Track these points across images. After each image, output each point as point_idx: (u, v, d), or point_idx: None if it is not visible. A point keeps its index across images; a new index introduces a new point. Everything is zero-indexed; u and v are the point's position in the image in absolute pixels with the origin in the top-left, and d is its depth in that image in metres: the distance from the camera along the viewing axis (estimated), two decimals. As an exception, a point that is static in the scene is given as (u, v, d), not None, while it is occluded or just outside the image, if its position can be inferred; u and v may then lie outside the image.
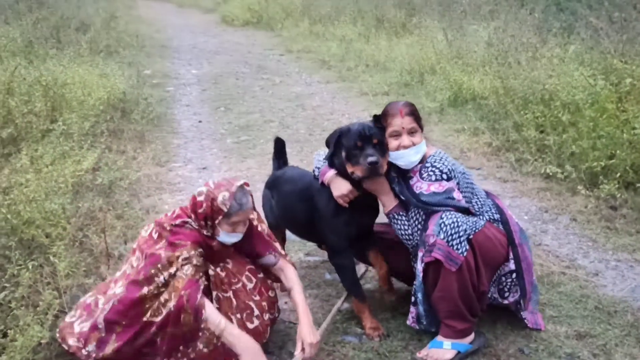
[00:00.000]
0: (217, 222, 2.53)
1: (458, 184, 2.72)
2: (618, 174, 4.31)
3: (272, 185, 3.31)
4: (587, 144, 4.56)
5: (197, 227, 2.56)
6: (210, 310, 2.41)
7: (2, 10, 8.73)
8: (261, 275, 2.78)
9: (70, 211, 3.67)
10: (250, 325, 2.60)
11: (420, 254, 2.66)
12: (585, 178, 4.44)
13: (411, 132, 2.70)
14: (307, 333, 2.55)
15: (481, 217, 2.76)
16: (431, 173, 2.69)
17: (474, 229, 2.65)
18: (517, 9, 8.55)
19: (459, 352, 2.68)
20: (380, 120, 2.79)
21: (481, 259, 2.64)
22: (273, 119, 6.75)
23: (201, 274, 2.47)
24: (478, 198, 2.82)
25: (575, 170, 4.50)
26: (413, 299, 2.75)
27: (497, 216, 2.82)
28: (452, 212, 2.61)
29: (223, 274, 2.58)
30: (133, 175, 4.63)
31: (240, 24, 14.89)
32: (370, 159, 2.65)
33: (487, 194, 2.94)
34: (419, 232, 2.73)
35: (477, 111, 6.23)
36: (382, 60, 8.95)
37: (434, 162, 2.72)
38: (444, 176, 2.68)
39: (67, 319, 2.61)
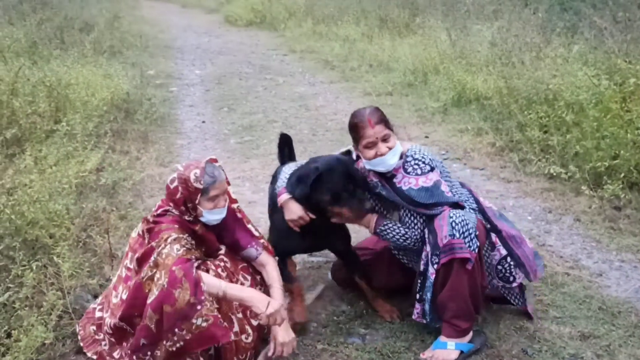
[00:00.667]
0: (197, 202, 2.50)
1: (440, 173, 2.74)
2: (622, 174, 4.29)
3: (272, 180, 3.33)
4: (591, 144, 4.55)
5: (178, 214, 2.54)
6: (207, 279, 2.35)
7: (6, 11, 8.75)
8: (251, 270, 2.74)
9: (74, 212, 3.68)
10: (254, 322, 2.59)
11: (426, 255, 2.66)
12: (589, 178, 4.42)
13: (384, 139, 2.68)
14: (279, 331, 2.50)
15: (468, 209, 2.76)
16: (415, 166, 2.70)
17: (475, 221, 2.68)
18: (520, 8, 8.53)
19: (462, 352, 2.68)
20: (352, 133, 2.74)
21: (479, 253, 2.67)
22: (276, 120, 6.75)
23: (194, 258, 2.42)
24: (457, 189, 2.83)
25: (579, 170, 4.48)
26: (418, 296, 2.74)
27: (474, 205, 2.84)
28: (456, 210, 2.62)
29: (224, 274, 2.56)
30: (137, 176, 4.63)
31: (244, 24, 14.89)
32: (368, 205, 2.70)
33: (462, 184, 2.96)
34: (421, 230, 2.73)
35: (480, 111, 6.22)
36: (386, 60, 8.94)
37: (414, 154, 2.72)
38: (427, 167, 2.69)
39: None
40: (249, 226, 2.75)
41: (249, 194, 4.61)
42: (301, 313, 2.88)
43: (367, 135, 2.65)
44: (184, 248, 2.41)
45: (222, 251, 2.66)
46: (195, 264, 2.39)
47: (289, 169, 3.04)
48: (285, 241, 2.91)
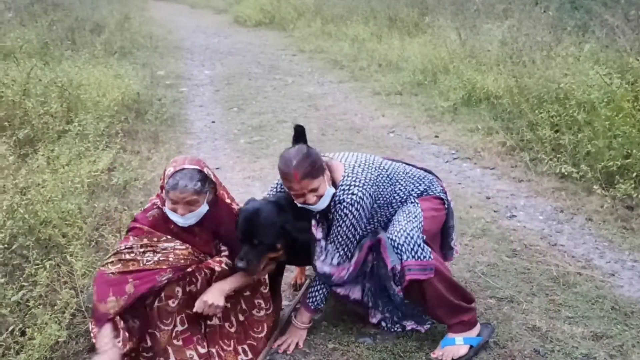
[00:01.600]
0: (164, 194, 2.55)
1: (375, 192, 2.68)
2: (634, 174, 4.27)
3: None
4: (603, 143, 4.52)
5: (160, 209, 2.58)
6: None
7: (18, 12, 8.82)
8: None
9: (86, 211, 3.70)
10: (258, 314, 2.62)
11: (391, 282, 2.66)
12: (601, 177, 4.40)
13: (312, 190, 2.57)
14: (210, 292, 2.49)
15: (411, 201, 2.77)
16: (339, 216, 2.61)
17: (420, 225, 2.66)
18: (531, 7, 8.48)
19: (471, 347, 2.69)
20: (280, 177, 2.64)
21: (435, 242, 2.72)
22: (286, 119, 6.75)
23: (170, 259, 2.47)
24: (401, 184, 2.79)
25: (591, 169, 4.46)
26: (383, 315, 2.84)
27: (439, 188, 2.88)
28: (393, 228, 2.62)
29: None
30: (148, 176, 4.65)
31: (253, 24, 14.92)
32: (240, 264, 2.56)
33: (427, 170, 2.98)
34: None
35: (491, 110, 6.20)
36: (395, 60, 8.93)
37: (342, 199, 2.60)
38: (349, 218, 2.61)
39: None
40: None
41: (259, 193, 4.62)
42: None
43: (294, 188, 2.56)
44: (118, 264, 2.46)
45: (226, 252, 2.66)
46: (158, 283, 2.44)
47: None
48: None
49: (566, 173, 4.61)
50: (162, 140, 5.82)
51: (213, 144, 5.96)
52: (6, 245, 2.92)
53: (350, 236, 2.64)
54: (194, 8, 20.38)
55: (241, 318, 2.71)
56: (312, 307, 2.78)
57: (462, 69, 7.09)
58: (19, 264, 2.95)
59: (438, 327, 2.86)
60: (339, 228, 2.63)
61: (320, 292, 2.76)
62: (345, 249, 2.66)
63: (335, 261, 2.66)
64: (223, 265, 2.59)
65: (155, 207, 2.61)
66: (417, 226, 2.64)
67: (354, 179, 2.65)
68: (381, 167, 2.78)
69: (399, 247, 2.57)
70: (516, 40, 6.97)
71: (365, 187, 2.63)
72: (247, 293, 2.71)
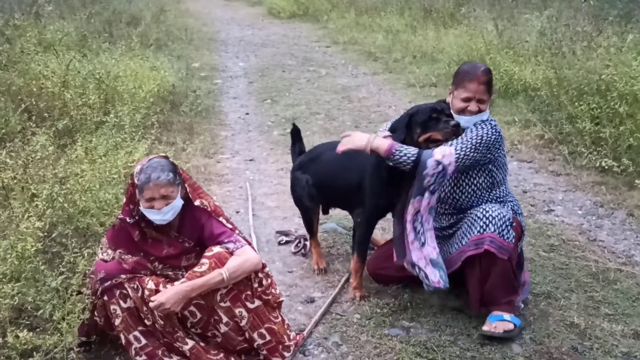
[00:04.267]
0: (137, 198, 2.50)
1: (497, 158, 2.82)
2: (679, 168, 4.13)
3: (304, 165, 3.45)
4: (646, 136, 4.39)
5: (120, 221, 2.58)
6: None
7: (57, 6, 8.98)
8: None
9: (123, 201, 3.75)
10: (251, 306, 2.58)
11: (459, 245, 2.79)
12: (644, 172, 4.27)
13: (481, 101, 2.75)
14: (163, 294, 2.39)
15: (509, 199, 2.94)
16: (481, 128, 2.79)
17: (510, 213, 2.79)
18: (571, -4, 8.29)
19: (515, 326, 2.72)
20: (455, 77, 2.85)
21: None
22: (319, 111, 6.74)
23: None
24: (506, 185, 2.94)
25: (633, 163, 4.33)
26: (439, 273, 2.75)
27: (517, 208, 2.96)
28: (492, 205, 2.76)
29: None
30: (182, 167, 4.67)
31: (287, 16, 14.91)
32: (453, 122, 2.75)
33: None
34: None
35: (528, 103, 6.07)
36: (430, 52, 8.81)
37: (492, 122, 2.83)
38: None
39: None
40: (222, 220, 2.62)
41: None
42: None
43: (469, 88, 2.74)
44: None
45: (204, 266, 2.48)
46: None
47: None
48: (383, 189, 2.98)
49: (607, 167, 4.48)
50: (196, 132, 5.88)
51: (247, 136, 5.99)
52: (46, 234, 2.98)
53: (474, 145, 2.70)
54: (228, 0, 20.48)
55: (252, 306, 2.55)
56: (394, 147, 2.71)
57: (499, 60, 6.94)
58: (58, 251, 3.01)
59: (473, 322, 2.82)
60: (470, 133, 2.73)
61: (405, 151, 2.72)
62: (462, 152, 2.68)
63: (449, 151, 2.67)
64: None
65: (118, 219, 2.60)
66: (508, 211, 2.77)
67: (492, 126, 2.81)
68: (503, 150, 2.90)
69: (490, 218, 2.66)
70: (555, 31, 6.80)
71: (499, 139, 2.80)
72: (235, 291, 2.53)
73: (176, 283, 2.44)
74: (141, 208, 2.51)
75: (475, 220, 2.72)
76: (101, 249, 2.63)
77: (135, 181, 2.48)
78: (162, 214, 2.49)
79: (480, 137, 2.72)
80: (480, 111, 2.75)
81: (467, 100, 2.74)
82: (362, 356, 2.66)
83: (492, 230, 2.64)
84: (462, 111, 2.77)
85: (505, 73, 6.58)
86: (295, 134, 3.81)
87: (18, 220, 2.96)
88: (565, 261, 3.41)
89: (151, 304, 2.39)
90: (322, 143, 3.64)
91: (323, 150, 3.46)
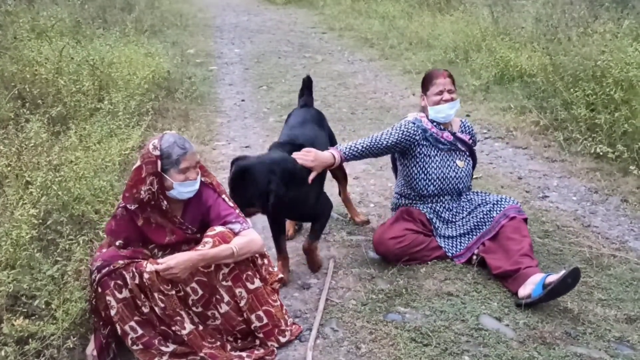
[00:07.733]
0: (160, 171, 2.45)
1: None
2: (673, 154, 4.15)
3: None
4: (641, 122, 4.39)
5: (120, 213, 2.57)
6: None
7: (51, -9, 8.90)
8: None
9: (118, 188, 3.75)
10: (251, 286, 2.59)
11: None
12: (638, 158, 4.28)
13: (450, 92, 3.29)
14: (173, 258, 2.40)
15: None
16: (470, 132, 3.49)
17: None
18: (567, -18, 8.24)
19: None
20: (424, 82, 3.38)
21: None
22: (315, 98, 6.67)
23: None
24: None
25: (628, 149, 4.34)
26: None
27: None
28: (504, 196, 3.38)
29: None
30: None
31: (282, 2, 14.81)
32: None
33: None
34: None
35: (524, 89, 6.07)
36: (426, 38, 8.78)
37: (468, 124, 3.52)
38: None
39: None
40: (226, 199, 2.65)
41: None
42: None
43: (439, 83, 3.29)
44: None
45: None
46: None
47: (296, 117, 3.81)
48: None
49: (601, 153, 4.49)
50: (192, 119, 5.86)
51: (243, 123, 5.97)
52: (41, 221, 2.98)
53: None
54: (224, -14, 20.30)
55: (252, 286, 2.57)
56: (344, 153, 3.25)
57: (494, 46, 6.93)
58: (53, 239, 3.00)
59: (467, 307, 2.84)
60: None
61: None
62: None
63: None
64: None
65: (118, 208, 2.58)
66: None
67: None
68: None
69: (507, 199, 3.29)
70: (551, 17, 6.79)
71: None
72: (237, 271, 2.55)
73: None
74: (174, 183, 2.48)
75: (492, 205, 3.27)
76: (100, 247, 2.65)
77: (156, 152, 2.44)
78: (193, 185, 2.52)
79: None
80: (452, 99, 3.30)
81: (440, 93, 3.28)
82: (358, 342, 2.68)
83: (512, 202, 3.27)
84: (438, 103, 3.29)
85: (501, 59, 6.57)
86: (308, 83, 4.15)
87: (12, 207, 2.95)
88: (560, 247, 3.43)
89: (159, 267, 2.38)
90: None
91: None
